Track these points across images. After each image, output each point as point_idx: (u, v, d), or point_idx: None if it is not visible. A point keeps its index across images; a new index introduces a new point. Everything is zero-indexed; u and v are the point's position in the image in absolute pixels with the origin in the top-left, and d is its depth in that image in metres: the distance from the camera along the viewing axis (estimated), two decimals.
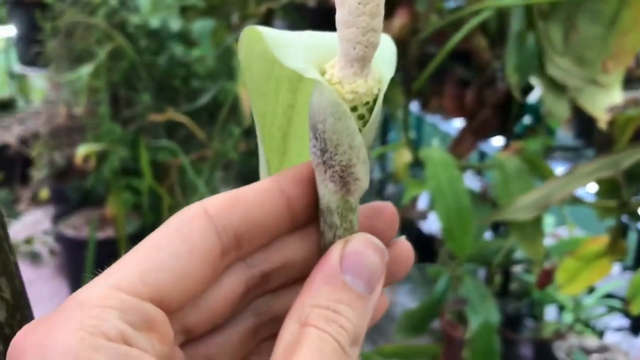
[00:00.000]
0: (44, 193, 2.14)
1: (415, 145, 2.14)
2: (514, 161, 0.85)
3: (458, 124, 1.39)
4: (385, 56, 0.24)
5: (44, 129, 1.83)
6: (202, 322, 0.23)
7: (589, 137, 1.16)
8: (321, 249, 0.25)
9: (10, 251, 0.22)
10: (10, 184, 2.16)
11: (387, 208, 0.26)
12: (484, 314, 0.88)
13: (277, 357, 0.21)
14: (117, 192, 1.60)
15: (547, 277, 0.98)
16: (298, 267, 0.25)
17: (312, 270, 0.23)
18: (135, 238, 1.69)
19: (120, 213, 1.60)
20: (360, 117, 0.22)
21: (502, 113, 1.09)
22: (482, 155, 1.63)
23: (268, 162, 0.27)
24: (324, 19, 1.02)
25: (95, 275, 0.21)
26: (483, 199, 1.02)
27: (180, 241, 0.21)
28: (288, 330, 0.21)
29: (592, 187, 0.86)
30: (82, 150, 1.49)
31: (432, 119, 1.79)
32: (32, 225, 2.00)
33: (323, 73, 0.22)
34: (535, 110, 1.16)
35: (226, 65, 1.66)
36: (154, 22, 1.71)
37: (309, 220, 0.25)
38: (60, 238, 1.85)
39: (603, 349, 1.15)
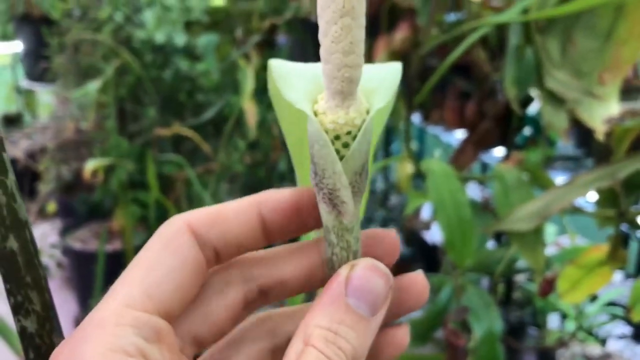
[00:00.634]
0: (52, 206, 2.16)
1: (417, 156, 2.16)
2: (513, 172, 0.86)
3: (460, 134, 1.40)
4: (385, 84, 0.25)
5: (51, 144, 1.85)
6: (209, 333, 0.26)
7: (589, 147, 1.18)
8: (323, 264, 0.27)
9: (40, 267, 0.23)
10: None
11: (388, 236, 0.28)
12: (487, 323, 0.90)
13: None
14: (124, 205, 1.62)
15: (548, 286, 0.99)
16: (296, 283, 0.27)
17: (322, 292, 0.24)
18: None
19: (127, 226, 1.62)
20: (345, 145, 0.24)
21: (503, 124, 1.11)
22: (484, 166, 1.65)
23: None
24: None
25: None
26: (485, 209, 1.03)
27: (172, 257, 0.24)
28: (293, 348, 0.23)
29: (593, 196, 0.87)
30: (91, 165, 1.51)
31: (434, 130, 1.81)
32: (39, 238, 2.02)
33: (316, 103, 0.24)
34: (535, 121, 1.18)
35: (231, 79, 1.68)
36: (159, 38, 1.74)
37: (283, 241, 0.27)
38: (67, 251, 1.87)
39: (606, 357, 1.16)
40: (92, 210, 1.92)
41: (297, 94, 0.24)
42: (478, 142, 1.12)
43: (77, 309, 1.83)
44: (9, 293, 0.23)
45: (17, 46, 2.29)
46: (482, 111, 1.13)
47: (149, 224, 1.72)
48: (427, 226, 1.59)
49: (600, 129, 0.79)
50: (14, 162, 2.13)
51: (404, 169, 1.11)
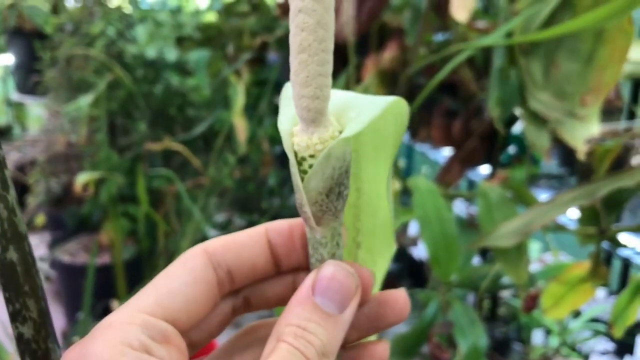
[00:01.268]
0: (40, 219, 2.16)
1: (405, 172, 2.17)
2: (497, 190, 0.88)
3: (447, 152, 1.42)
4: (362, 117, 0.26)
5: (41, 156, 1.86)
6: (202, 338, 0.29)
7: (573, 166, 1.20)
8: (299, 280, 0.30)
9: (36, 276, 0.25)
10: None
11: (399, 299, 0.29)
12: (472, 338, 0.91)
13: None
14: (114, 218, 1.62)
15: (532, 302, 1.01)
16: (274, 296, 0.30)
17: (293, 295, 0.27)
18: (132, 264, 1.71)
19: (116, 239, 1.62)
20: (311, 166, 0.26)
21: (489, 143, 1.13)
22: (471, 183, 1.67)
23: None
24: None
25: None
26: (470, 226, 1.05)
27: (186, 273, 0.26)
28: (268, 346, 0.25)
29: (576, 214, 0.89)
30: (82, 179, 1.52)
31: (421, 147, 1.83)
32: None
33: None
34: (520, 140, 1.20)
35: (222, 95, 1.69)
36: (151, 53, 1.75)
37: (291, 265, 0.29)
38: (56, 264, 1.86)
39: None
40: (81, 224, 1.93)
41: (286, 115, 0.27)
42: (464, 160, 1.14)
43: (64, 323, 1.83)
44: (8, 301, 0.24)
45: (9, 59, 2.29)
46: (468, 129, 1.15)
47: (138, 237, 1.73)
48: (414, 242, 1.61)
49: (581, 149, 0.81)
50: None
51: (392, 185, 1.13)
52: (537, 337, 1.29)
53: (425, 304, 1.02)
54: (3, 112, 2.79)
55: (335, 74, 1.13)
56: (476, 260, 1.22)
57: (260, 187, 1.82)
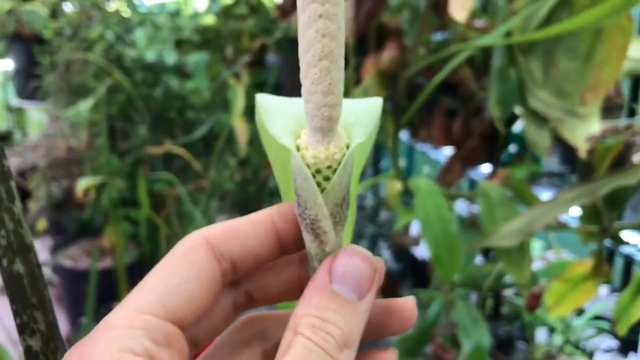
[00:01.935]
0: (42, 224, 2.16)
1: (406, 172, 2.17)
2: (498, 189, 0.88)
3: (448, 151, 1.42)
4: (365, 119, 0.26)
5: (42, 161, 1.86)
6: (205, 335, 0.27)
7: (574, 164, 1.20)
8: (300, 280, 0.29)
9: (44, 288, 0.25)
10: None
11: (406, 306, 0.28)
12: (475, 338, 0.91)
13: None
14: (115, 222, 1.62)
15: (535, 300, 1.01)
16: (276, 292, 0.29)
17: (308, 284, 0.25)
18: (133, 268, 1.71)
19: (118, 243, 1.62)
20: (326, 178, 0.25)
21: (489, 142, 1.13)
22: (472, 182, 1.67)
23: None
24: None
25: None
26: (472, 225, 1.05)
27: (189, 268, 0.25)
28: (285, 340, 0.24)
29: (578, 212, 0.89)
30: (83, 184, 1.52)
31: (422, 147, 1.83)
32: None
33: (299, 137, 0.25)
34: (520, 138, 1.20)
35: (221, 98, 1.70)
36: (150, 56, 1.75)
37: (297, 251, 0.28)
38: (58, 269, 1.86)
39: None
40: (82, 228, 1.92)
41: (280, 129, 0.25)
42: (465, 159, 1.14)
43: (67, 327, 1.83)
44: (16, 313, 0.24)
45: (8, 64, 2.29)
46: (468, 129, 1.15)
47: (139, 241, 1.73)
48: (416, 242, 1.61)
49: (582, 147, 0.81)
50: None
51: (393, 185, 1.13)
52: (540, 335, 1.29)
53: (428, 304, 1.02)
54: (3, 118, 2.80)
55: None
56: (478, 259, 1.22)
57: (261, 189, 1.82)
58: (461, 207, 1.58)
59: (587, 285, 0.90)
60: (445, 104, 1.22)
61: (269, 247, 0.27)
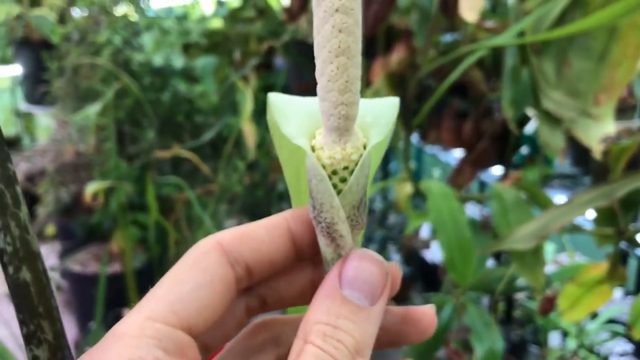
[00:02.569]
0: (51, 229, 2.16)
1: (415, 175, 2.16)
2: (512, 192, 0.87)
3: (458, 153, 1.41)
4: (382, 119, 0.25)
5: (50, 166, 1.86)
6: (217, 340, 0.26)
7: (587, 165, 1.19)
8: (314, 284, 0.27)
9: (51, 297, 0.24)
10: None
11: (425, 315, 0.27)
12: (488, 342, 0.90)
13: None
14: (124, 227, 1.62)
15: (549, 304, 1.00)
16: (290, 296, 0.28)
17: (318, 289, 0.24)
18: (142, 272, 1.71)
19: (127, 248, 1.62)
20: (342, 179, 0.24)
21: (500, 143, 1.12)
22: (482, 185, 1.65)
23: None
24: None
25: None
26: (484, 228, 1.04)
27: (201, 274, 0.24)
28: (294, 349, 0.23)
29: (591, 214, 0.88)
30: (91, 188, 1.51)
31: (432, 149, 1.82)
32: None
33: (314, 138, 0.25)
34: (532, 140, 1.19)
35: (229, 101, 1.69)
36: (158, 60, 1.75)
37: (313, 256, 0.27)
38: (66, 274, 1.86)
39: None
40: (91, 233, 1.92)
41: (294, 129, 0.24)
42: (476, 162, 1.13)
43: (76, 333, 1.83)
44: (22, 323, 0.23)
45: (16, 70, 2.30)
46: (479, 130, 1.14)
47: (148, 245, 1.72)
48: (426, 245, 1.60)
49: (596, 148, 0.80)
50: None
51: (403, 188, 1.12)
52: (554, 339, 1.28)
53: (440, 308, 1.01)
54: (12, 123, 2.80)
55: None
56: (490, 262, 1.21)
57: (270, 192, 1.82)
58: (471, 209, 1.57)
59: (602, 288, 0.88)
60: (455, 105, 1.21)
61: (284, 252, 0.26)
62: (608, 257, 0.84)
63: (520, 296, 1.33)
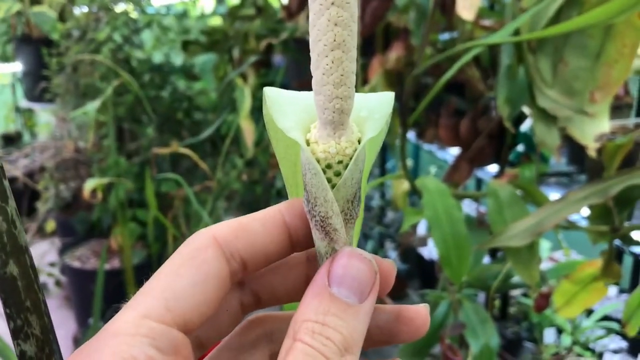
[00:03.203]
0: (50, 225, 2.16)
1: (412, 172, 2.17)
2: (507, 189, 0.87)
3: (455, 151, 1.42)
4: (377, 113, 0.25)
5: (50, 163, 1.86)
6: (211, 337, 0.26)
7: (582, 163, 1.19)
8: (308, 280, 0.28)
9: (39, 291, 0.24)
10: None
11: (418, 314, 0.27)
12: (484, 338, 0.90)
13: None
14: (123, 223, 1.62)
15: (544, 301, 1.00)
16: (284, 292, 0.28)
17: (307, 288, 0.24)
18: (141, 268, 1.71)
19: (126, 244, 1.62)
20: (337, 173, 0.24)
21: (497, 141, 1.12)
22: (479, 182, 1.66)
23: None
24: None
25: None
26: (480, 225, 1.04)
27: (196, 270, 0.24)
28: (284, 346, 0.23)
29: (587, 211, 0.88)
30: (90, 184, 1.52)
31: (429, 147, 1.82)
32: (38, 257, 2.02)
33: (309, 132, 0.25)
34: (528, 138, 1.19)
35: (228, 98, 1.69)
36: (157, 57, 1.75)
37: (308, 248, 0.27)
38: (66, 269, 1.87)
39: None
40: (90, 229, 1.93)
41: (290, 123, 0.24)
42: (472, 159, 1.13)
43: (75, 328, 1.83)
44: (9, 317, 0.23)
45: (17, 66, 2.30)
46: (476, 128, 1.14)
47: (147, 242, 1.73)
48: (423, 242, 1.60)
49: (592, 146, 0.80)
50: (12, 181, 2.14)
51: (400, 186, 1.12)
52: (549, 336, 1.28)
53: (436, 305, 1.01)
54: (12, 119, 2.81)
55: None
56: (485, 259, 1.21)
57: (268, 189, 1.82)
58: (467, 206, 1.57)
59: (597, 285, 0.89)
60: (452, 104, 1.21)
61: (279, 244, 0.26)
62: (603, 254, 0.84)
63: (515, 293, 1.33)
